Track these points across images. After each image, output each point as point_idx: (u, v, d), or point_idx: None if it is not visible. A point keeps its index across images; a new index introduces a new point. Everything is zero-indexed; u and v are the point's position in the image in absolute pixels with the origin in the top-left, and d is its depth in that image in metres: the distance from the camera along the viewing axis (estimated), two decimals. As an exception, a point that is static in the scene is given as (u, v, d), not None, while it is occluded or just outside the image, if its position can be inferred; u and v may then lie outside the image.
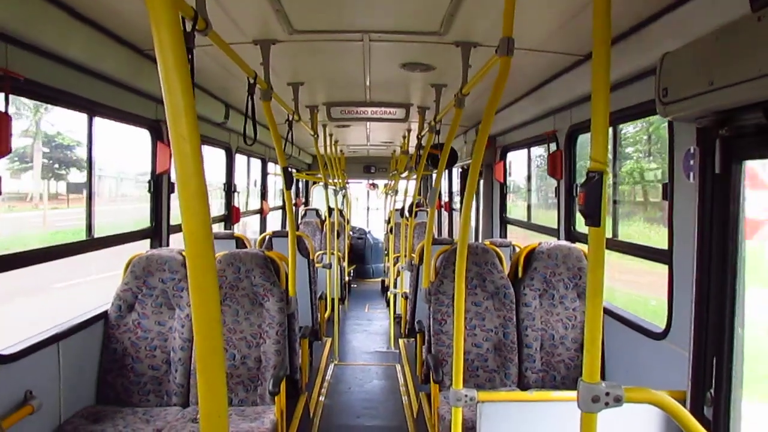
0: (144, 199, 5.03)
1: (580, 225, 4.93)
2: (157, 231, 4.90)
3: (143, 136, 4.81)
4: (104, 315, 4.00)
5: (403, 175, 10.74)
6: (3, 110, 2.78)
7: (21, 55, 2.94)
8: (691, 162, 2.89)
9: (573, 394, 1.95)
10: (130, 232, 4.66)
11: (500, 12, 2.58)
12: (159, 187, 4.88)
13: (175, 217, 5.07)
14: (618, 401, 1.88)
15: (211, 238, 1.33)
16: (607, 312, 3.91)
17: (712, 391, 2.78)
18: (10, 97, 2.86)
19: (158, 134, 4.77)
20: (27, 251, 3.29)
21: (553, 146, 5.25)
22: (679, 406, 2.08)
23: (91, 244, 4.04)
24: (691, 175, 2.90)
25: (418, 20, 3.48)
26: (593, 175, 1.76)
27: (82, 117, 3.92)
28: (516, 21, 2.57)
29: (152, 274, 4.11)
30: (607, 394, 1.86)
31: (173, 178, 4.87)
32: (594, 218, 1.77)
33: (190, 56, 2.15)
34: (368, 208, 19.11)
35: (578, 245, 4.57)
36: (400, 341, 8.36)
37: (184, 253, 4.27)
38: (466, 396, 2.93)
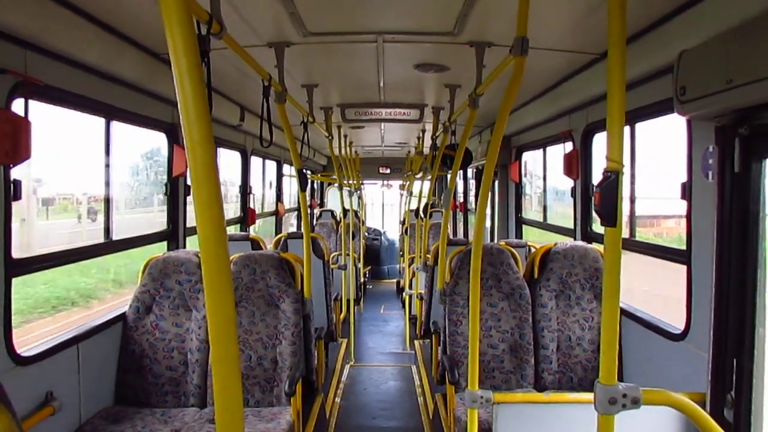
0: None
1: (597, 225, 4.89)
2: (173, 233, 4.95)
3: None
4: (122, 317, 4.05)
5: (418, 175, 10.72)
6: (23, 115, 2.82)
7: (40, 60, 2.97)
8: (710, 161, 2.85)
9: (590, 395, 1.94)
10: (147, 235, 4.71)
11: (514, 11, 2.57)
12: (175, 189, 4.93)
13: (192, 219, 5.12)
14: (636, 403, 1.86)
15: (226, 241, 1.33)
16: (624, 313, 3.87)
17: (733, 393, 2.74)
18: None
19: (174, 137, 4.81)
20: (50, 253, 3.35)
21: (568, 145, 5.21)
22: (699, 409, 2.06)
23: (109, 246, 4.09)
24: (710, 174, 2.86)
25: (432, 21, 3.47)
26: (609, 174, 1.74)
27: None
28: (530, 20, 2.55)
29: (169, 276, 4.14)
30: (625, 395, 1.85)
31: (189, 180, 4.94)
32: (610, 218, 1.76)
33: (205, 59, 2.18)
34: (383, 205, 19.10)
35: (595, 245, 4.53)
36: (416, 342, 8.35)
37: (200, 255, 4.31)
38: (482, 397, 2.92)
